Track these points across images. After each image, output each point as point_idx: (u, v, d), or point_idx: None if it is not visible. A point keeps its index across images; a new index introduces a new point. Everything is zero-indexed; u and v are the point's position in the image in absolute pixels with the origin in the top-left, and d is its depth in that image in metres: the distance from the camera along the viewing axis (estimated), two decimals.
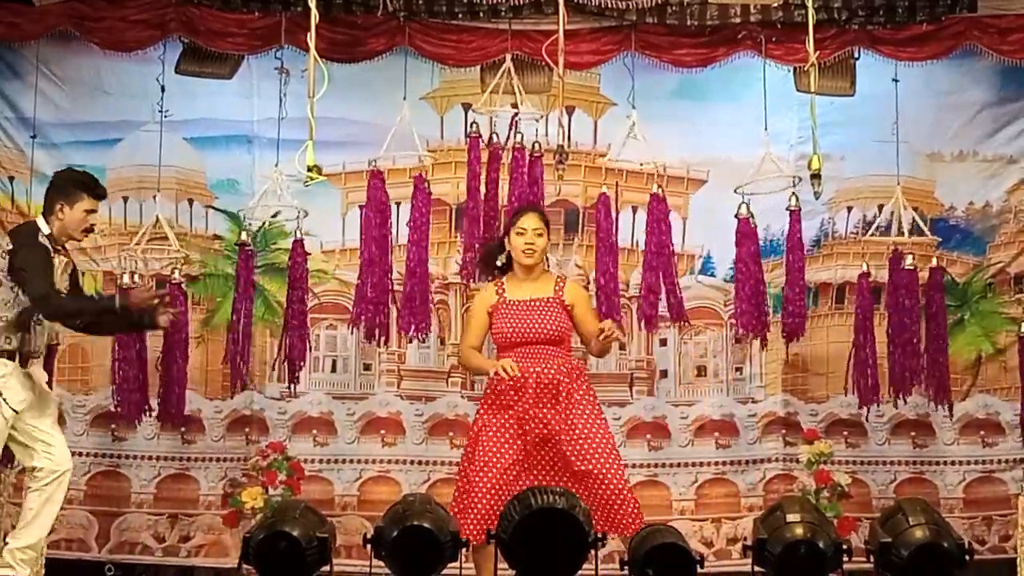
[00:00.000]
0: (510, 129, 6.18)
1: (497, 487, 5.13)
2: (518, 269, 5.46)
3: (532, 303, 5.37)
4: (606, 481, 5.22)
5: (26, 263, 4.98)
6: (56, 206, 5.14)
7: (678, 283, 6.35)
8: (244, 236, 6.49)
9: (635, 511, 5.26)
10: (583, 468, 5.22)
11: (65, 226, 5.15)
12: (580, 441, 5.24)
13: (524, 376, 5.26)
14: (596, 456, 5.24)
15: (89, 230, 5.28)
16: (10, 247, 5.06)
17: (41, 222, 5.15)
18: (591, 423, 5.28)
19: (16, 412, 5.06)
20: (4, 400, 5.03)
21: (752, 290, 6.28)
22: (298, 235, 6.41)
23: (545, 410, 5.25)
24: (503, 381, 5.26)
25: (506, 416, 5.28)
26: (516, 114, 6.14)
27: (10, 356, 5.04)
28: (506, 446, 5.24)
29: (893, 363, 6.52)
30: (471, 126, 6.23)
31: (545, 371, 5.27)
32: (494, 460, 5.21)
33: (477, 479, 5.19)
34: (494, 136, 6.26)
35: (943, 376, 6.54)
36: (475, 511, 5.13)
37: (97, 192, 5.23)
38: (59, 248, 5.17)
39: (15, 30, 6.36)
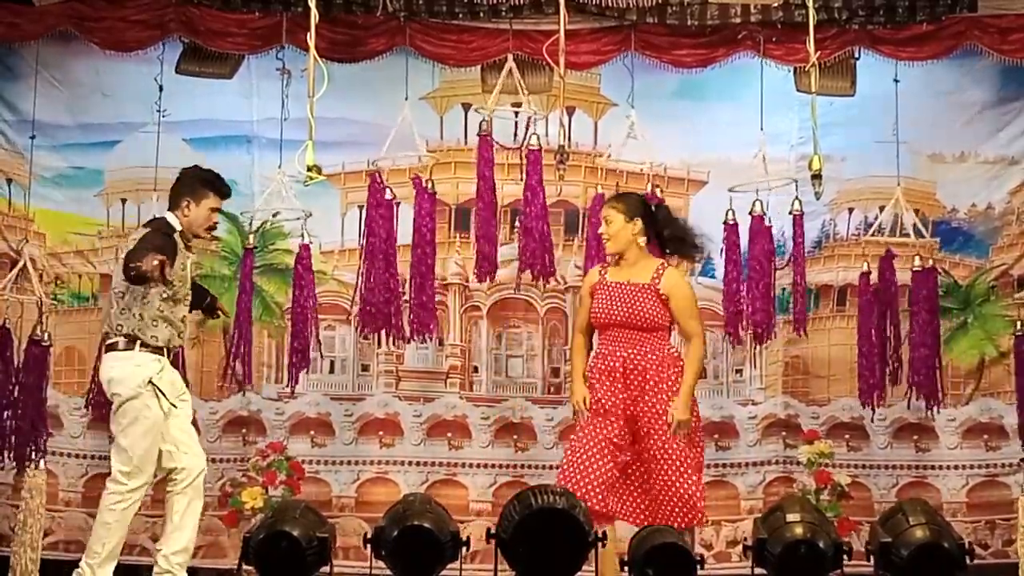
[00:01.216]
0: (526, 129, 6.18)
1: (587, 467, 5.16)
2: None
3: (627, 287, 5.30)
4: (662, 470, 5.20)
5: (141, 239, 5.01)
6: (182, 203, 5.17)
7: None
8: (252, 240, 6.48)
9: (683, 507, 5.19)
10: (647, 454, 5.22)
11: (190, 223, 5.18)
12: (651, 426, 5.21)
13: (613, 359, 5.25)
14: (659, 444, 5.21)
15: (212, 228, 5.31)
16: (144, 235, 5.08)
17: (172, 218, 5.17)
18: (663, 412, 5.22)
19: (174, 406, 5.11)
20: (163, 395, 5.05)
21: (765, 289, 6.28)
22: (306, 238, 6.40)
23: (633, 393, 5.22)
24: (597, 364, 5.29)
25: (597, 399, 5.27)
26: (533, 115, 6.16)
27: (159, 351, 5.07)
28: (596, 427, 5.24)
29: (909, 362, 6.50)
30: (481, 125, 6.18)
31: (633, 356, 5.24)
32: (588, 442, 5.23)
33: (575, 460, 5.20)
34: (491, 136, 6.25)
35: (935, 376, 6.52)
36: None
37: (222, 190, 5.28)
38: (187, 245, 5.20)
39: (15, 30, 6.35)
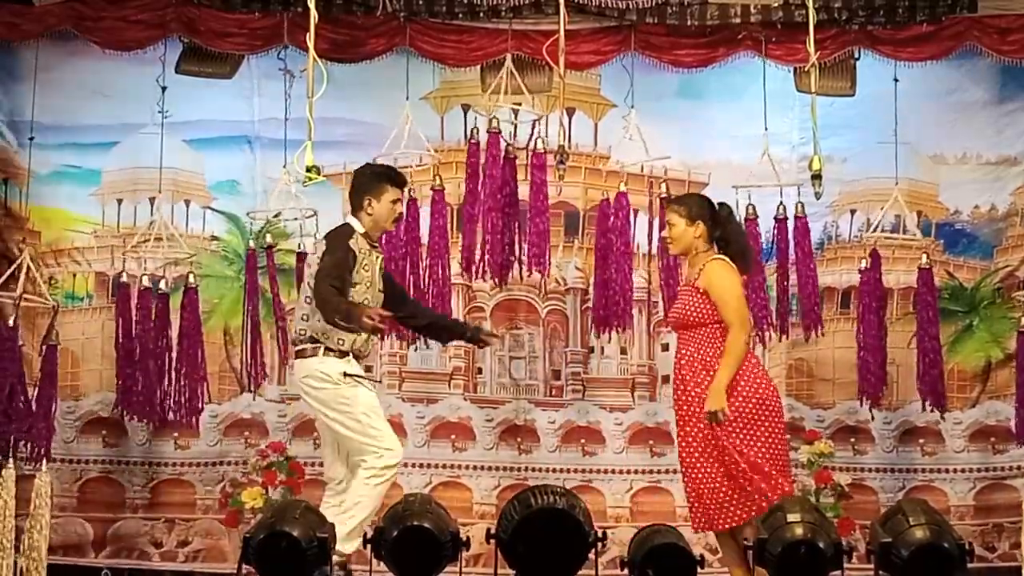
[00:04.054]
0: (532, 130, 6.20)
1: None
2: None
3: (683, 288, 5.29)
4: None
5: (320, 265, 5.01)
6: (364, 202, 5.15)
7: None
8: (270, 239, 6.48)
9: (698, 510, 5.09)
10: None
11: (376, 220, 5.17)
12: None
13: (675, 362, 5.17)
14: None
15: (398, 219, 5.36)
16: (324, 250, 5.09)
17: (354, 222, 5.16)
18: (681, 417, 5.12)
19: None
20: (362, 380, 5.08)
21: (812, 288, 6.33)
22: (316, 237, 6.35)
23: (677, 394, 5.16)
24: None
25: None
26: (539, 118, 6.17)
27: (345, 355, 5.07)
28: None
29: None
30: (489, 123, 6.16)
31: (682, 356, 5.14)
32: None
33: None
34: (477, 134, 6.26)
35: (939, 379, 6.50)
36: None
37: (399, 180, 5.26)
38: (374, 245, 5.21)
39: (15, 30, 6.37)
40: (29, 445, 6.13)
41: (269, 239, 6.48)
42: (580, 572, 4.58)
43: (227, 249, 7.02)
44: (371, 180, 5.19)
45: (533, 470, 6.99)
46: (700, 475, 5.03)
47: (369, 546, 4.67)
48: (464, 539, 4.73)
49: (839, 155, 6.83)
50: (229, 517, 6.66)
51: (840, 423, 7.01)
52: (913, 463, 6.99)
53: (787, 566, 4.49)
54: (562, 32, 5.23)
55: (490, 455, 7.05)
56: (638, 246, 6.71)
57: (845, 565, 4.45)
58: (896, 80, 6.49)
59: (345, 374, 5.02)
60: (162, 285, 6.46)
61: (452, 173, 6.76)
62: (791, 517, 4.56)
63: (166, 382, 6.41)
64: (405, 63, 6.39)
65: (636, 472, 6.84)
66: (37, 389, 6.25)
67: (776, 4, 6.23)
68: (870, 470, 6.96)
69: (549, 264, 6.30)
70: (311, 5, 4.91)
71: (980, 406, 6.98)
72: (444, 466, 6.99)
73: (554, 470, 6.93)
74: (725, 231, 5.22)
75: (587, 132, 7.10)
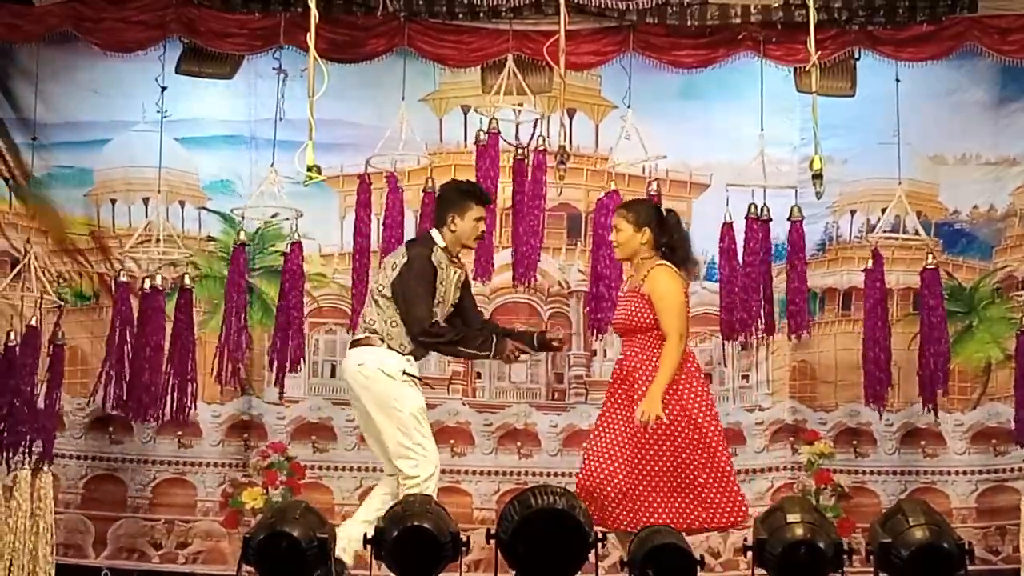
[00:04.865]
0: (533, 130, 6.19)
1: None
2: None
3: (627, 294, 5.34)
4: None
5: (409, 287, 5.09)
6: (448, 218, 5.23)
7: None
8: (243, 236, 6.47)
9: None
10: None
11: (458, 236, 5.25)
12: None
13: (617, 366, 5.30)
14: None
15: (480, 237, 5.39)
16: (405, 259, 5.15)
17: (437, 235, 5.23)
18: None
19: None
20: (419, 381, 5.14)
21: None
22: (296, 237, 6.39)
23: (631, 397, 5.19)
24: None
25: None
26: (540, 116, 6.17)
27: (403, 355, 5.12)
28: None
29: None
30: (490, 123, 6.18)
31: (626, 360, 5.24)
32: None
33: None
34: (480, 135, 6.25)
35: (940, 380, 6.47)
36: None
37: (484, 199, 5.36)
38: (454, 259, 5.26)
39: (15, 31, 6.36)
40: (38, 443, 6.15)
41: (243, 236, 6.46)
42: (580, 574, 4.57)
43: (224, 250, 6.97)
44: (456, 197, 5.28)
45: (534, 474, 6.97)
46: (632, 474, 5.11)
47: (369, 547, 4.66)
48: (464, 539, 4.72)
49: (839, 156, 6.83)
50: (229, 517, 6.66)
51: (842, 425, 7.01)
52: (915, 465, 6.98)
53: (787, 566, 4.48)
54: (562, 32, 5.25)
55: (490, 459, 7.03)
56: None
57: (845, 567, 4.43)
58: (898, 80, 6.47)
59: (404, 372, 5.06)
60: (160, 284, 6.44)
61: (451, 175, 6.75)
62: (791, 517, 4.54)
63: (160, 380, 6.39)
64: (404, 64, 6.38)
65: None
66: (45, 388, 6.27)
67: (776, 4, 6.22)
68: (873, 472, 6.94)
69: (535, 266, 6.29)
70: (311, 5, 4.91)
71: (981, 407, 6.97)
72: (444, 471, 6.89)
73: (555, 474, 6.90)
74: (671, 238, 5.28)
75: (588, 133, 7.09)
